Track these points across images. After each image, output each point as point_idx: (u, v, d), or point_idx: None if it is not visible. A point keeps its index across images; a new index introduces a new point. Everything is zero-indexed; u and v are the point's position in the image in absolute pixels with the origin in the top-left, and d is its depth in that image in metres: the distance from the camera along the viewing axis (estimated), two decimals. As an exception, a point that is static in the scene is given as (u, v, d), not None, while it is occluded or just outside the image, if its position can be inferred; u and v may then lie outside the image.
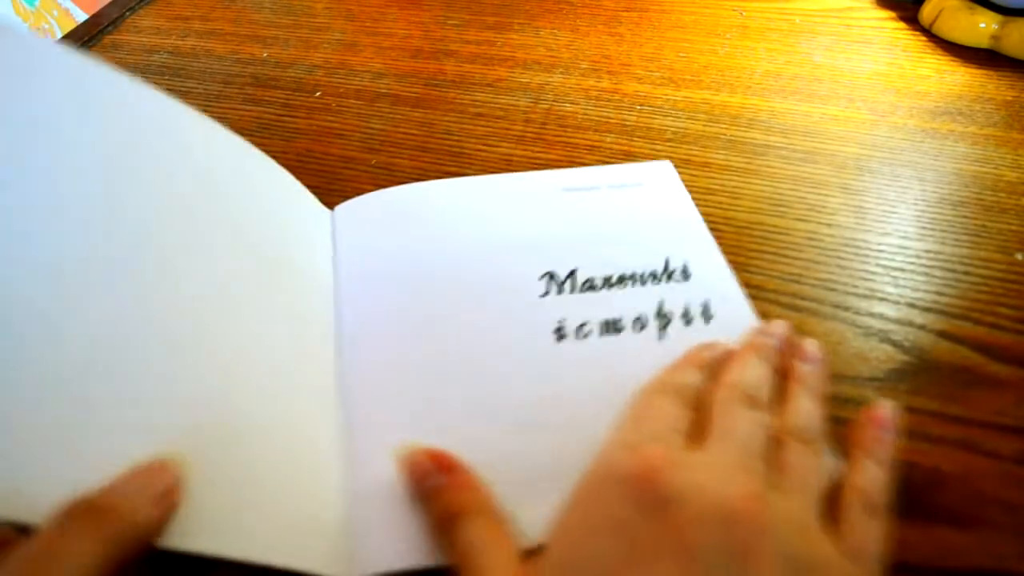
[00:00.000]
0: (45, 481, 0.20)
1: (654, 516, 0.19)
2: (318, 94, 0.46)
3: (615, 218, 0.36)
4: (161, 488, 0.20)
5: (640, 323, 0.30)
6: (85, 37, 0.52)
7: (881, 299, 0.32)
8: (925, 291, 0.32)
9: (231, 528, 0.22)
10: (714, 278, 0.33)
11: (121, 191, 0.26)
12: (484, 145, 0.41)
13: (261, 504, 0.23)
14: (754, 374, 0.25)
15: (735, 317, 0.31)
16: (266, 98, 0.46)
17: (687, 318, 0.31)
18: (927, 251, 0.34)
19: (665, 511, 0.19)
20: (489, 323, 0.30)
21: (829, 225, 0.35)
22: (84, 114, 0.27)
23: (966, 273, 0.33)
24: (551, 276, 0.32)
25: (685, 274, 0.32)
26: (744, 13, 0.53)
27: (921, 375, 0.29)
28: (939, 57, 0.47)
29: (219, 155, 0.32)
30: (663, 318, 0.31)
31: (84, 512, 0.19)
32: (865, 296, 0.32)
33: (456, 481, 0.24)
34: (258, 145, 0.42)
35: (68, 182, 0.24)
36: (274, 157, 0.41)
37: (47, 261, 0.23)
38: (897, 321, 0.31)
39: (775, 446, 0.23)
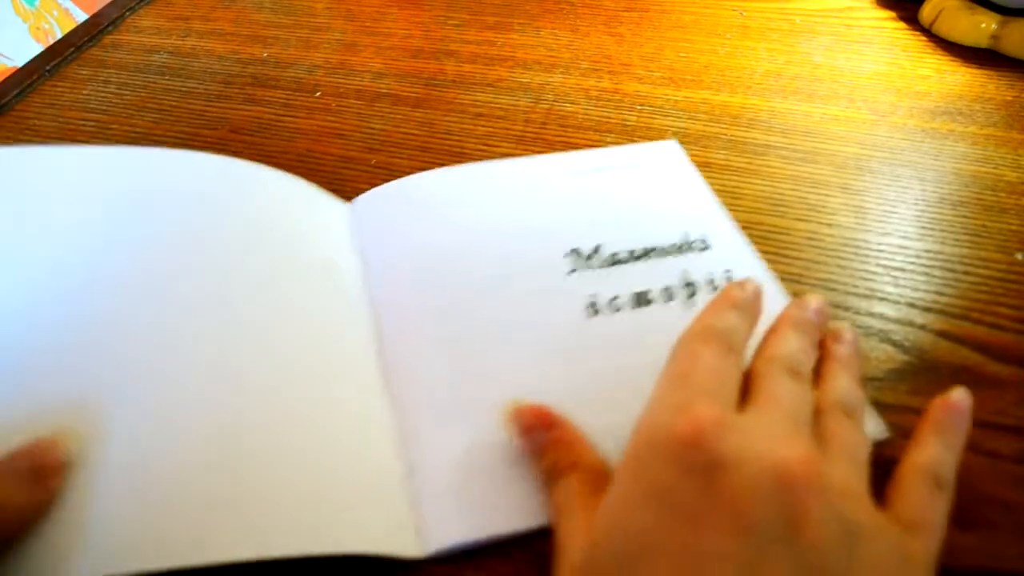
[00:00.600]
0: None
1: (704, 482, 0.18)
2: (318, 94, 0.46)
3: (630, 196, 0.36)
4: (41, 469, 0.21)
5: (668, 294, 0.31)
6: (85, 37, 0.52)
7: (881, 299, 0.32)
8: (925, 291, 0.32)
9: (296, 526, 0.22)
10: (732, 248, 0.34)
11: (137, 244, 0.29)
12: (484, 145, 0.41)
13: (324, 496, 0.23)
14: (794, 347, 0.24)
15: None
16: (266, 98, 0.46)
17: (713, 286, 0.32)
18: (927, 251, 0.34)
19: (715, 477, 0.18)
20: (522, 302, 0.31)
21: (829, 225, 0.36)
22: (78, 191, 0.30)
23: (966, 273, 0.33)
24: (576, 252, 0.33)
25: (704, 245, 0.33)
26: (744, 13, 0.53)
27: (921, 375, 0.29)
28: (939, 57, 0.47)
29: (216, 181, 0.33)
30: (690, 287, 0.31)
31: None
32: (865, 296, 0.32)
33: (555, 437, 0.24)
34: (258, 145, 0.42)
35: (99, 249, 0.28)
36: (274, 157, 0.41)
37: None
38: (897, 321, 0.31)
39: (818, 417, 0.23)
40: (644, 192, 0.37)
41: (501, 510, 0.24)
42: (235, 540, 0.21)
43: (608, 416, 0.25)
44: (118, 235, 0.29)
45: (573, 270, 0.32)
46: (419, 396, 0.28)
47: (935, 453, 0.23)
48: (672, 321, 0.29)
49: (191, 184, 0.32)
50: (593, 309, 0.30)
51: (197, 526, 0.21)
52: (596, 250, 0.33)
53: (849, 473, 0.21)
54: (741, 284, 0.26)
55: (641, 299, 0.31)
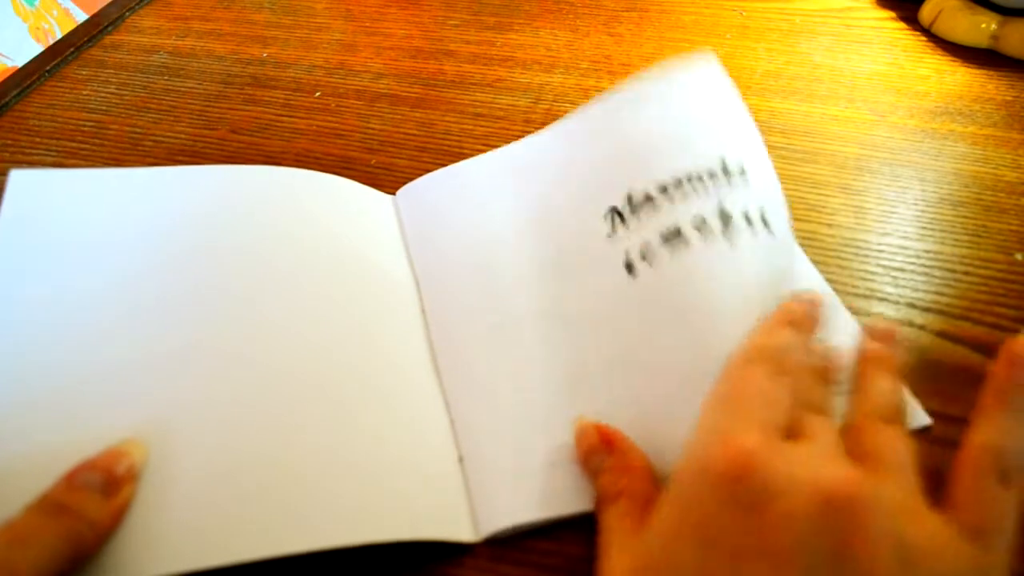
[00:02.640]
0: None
1: (747, 516, 0.18)
2: (318, 94, 0.46)
3: (662, 120, 0.31)
4: (112, 479, 0.21)
5: (703, 227, 0.27)
6: (85, 37, 0.52)
7: (881, 299, 0.32)
8: (925, 291, 0.32)
9: (356, 516, 0.23)
10: (766, 183, 0.29)
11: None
12: (484, 145, 0.41)
13: (382, 485, 0.24)
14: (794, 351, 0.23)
15: (784, 228, 0.29)
16: (266, 98, 0.46)
17: (748, 220, 0.27)
18: (927, 251, 0.34)
19: (758, 508, 0.18)
20: (566, 279, 0.30)
21: (829, 225, 0.35)
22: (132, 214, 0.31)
23: (966, 273, 0.33)
24: (615, 211, 0.30)
25: (743, 173, 0.28)
26: (744, 13, 0.53)
27: (921, 375, 0.29)
28: (939, 57, 0.47)
29: (267, 191, 0.34)
30: (724, 218, 0.27)
31: (48, 509, 0.20)
32: (865, 296, 0.32)
33: (615, 463, 0.24)
34: (258, 145, 0.42)
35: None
36: (274, 157, 0.41)
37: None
38: (897, 321, 0.31)
39: (856, 433, 0.21)
40: (677, 114, 0.31)
41: (553, 493, 0.25)
42: (299, 532, 0.22)
43: (663, 382, 0.26)
44: (176, 253, 0.30)
45: (612, 232, 0.29)
46: (469, 381, 0.28)
47: (1000, 433, 0.20)
48: (711, 261, 0.27)
49: (245, 198, 0.33)
50: (630, 268, 0.28)
51: (260, 522, 0.22)
52: (629, 200, 0.29)
53: (900, 487, 0.19)
54: (799, 297, 0.25)
55: (672, 237, 0.27)
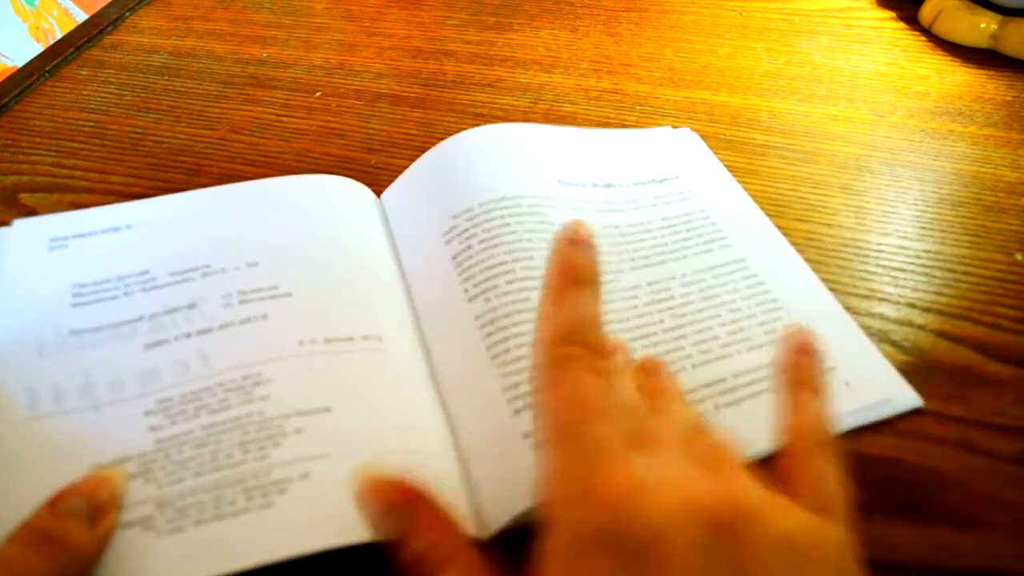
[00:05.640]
0: None
1: (642, 562, 0.16)
2: (318, 94, 0.46)
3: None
4: (97, 506, 0.21)
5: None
6: (85, 37, 0.52)
7: (881, 299, 0.32)
8: (925, 291, 0.32)
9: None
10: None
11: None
12: (484, 145, 0.41)
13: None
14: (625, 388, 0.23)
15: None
16: (265, 98, 0.46)
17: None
18: (927, 251, 0.34)
19: (652, 551, 0.16)
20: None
21: (829, 225, 0.35)
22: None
23: (966, 273, 0.33)
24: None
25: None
26: (744, 13, 0.53)
27: (921, 375, 0.29)
28: (939, 57, 0.47)
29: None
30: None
31: (34, 539, 0.20)
32: (865, 296, 0.32)
33: (425, 522, 0.21)
34: (257, 145, 0.42)
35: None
36: (273, 157, 0.41)
37: None
38: (897, 321, 0.31)
39: (650, 414, 0.21)
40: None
41: None
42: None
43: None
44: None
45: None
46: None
47: (809, 413, 0.21)
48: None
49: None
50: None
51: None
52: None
53: (757, 486, 0.19)
54: (571, 239, 0.21)
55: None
